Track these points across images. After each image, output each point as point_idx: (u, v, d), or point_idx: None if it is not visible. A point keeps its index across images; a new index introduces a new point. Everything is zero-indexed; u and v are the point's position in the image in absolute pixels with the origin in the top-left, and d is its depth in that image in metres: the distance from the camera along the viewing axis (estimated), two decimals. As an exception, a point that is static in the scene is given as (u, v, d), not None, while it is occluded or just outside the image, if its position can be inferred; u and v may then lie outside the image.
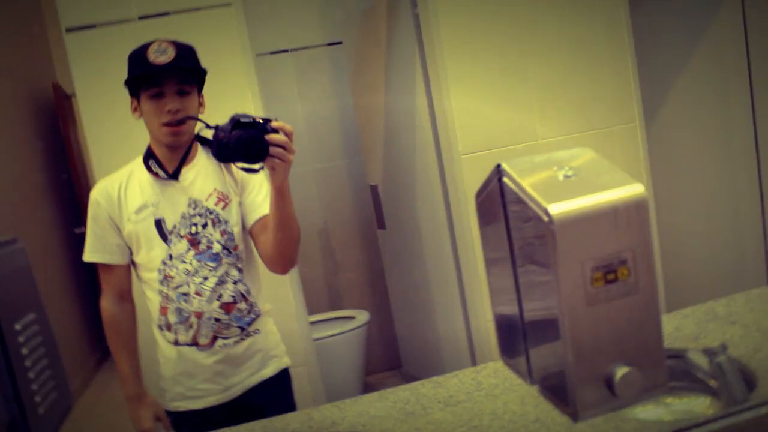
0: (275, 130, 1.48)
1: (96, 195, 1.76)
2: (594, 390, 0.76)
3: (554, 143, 2.64)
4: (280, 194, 1.57)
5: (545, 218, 0.75)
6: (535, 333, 0.84)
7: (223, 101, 2.37)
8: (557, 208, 0.75)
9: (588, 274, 0.75)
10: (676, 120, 3.21)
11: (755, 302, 1.58)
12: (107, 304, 1.78)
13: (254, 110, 2.43)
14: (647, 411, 1.32)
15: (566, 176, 0.81)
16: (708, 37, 2.99)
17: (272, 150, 1.47)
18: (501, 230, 0.87)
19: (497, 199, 0.87)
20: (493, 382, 1.39)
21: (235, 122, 1.47)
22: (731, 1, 2.83)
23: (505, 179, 0.84)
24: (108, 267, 1.77)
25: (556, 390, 0.81)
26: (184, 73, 1.65)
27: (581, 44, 2.69)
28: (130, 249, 1.76)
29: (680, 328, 1.51)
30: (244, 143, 1.46)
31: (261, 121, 1.48)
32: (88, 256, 1.77)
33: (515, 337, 0.89)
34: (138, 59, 1.63)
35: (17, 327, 0.86)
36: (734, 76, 2.90)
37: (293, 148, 1.51)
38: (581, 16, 2.68)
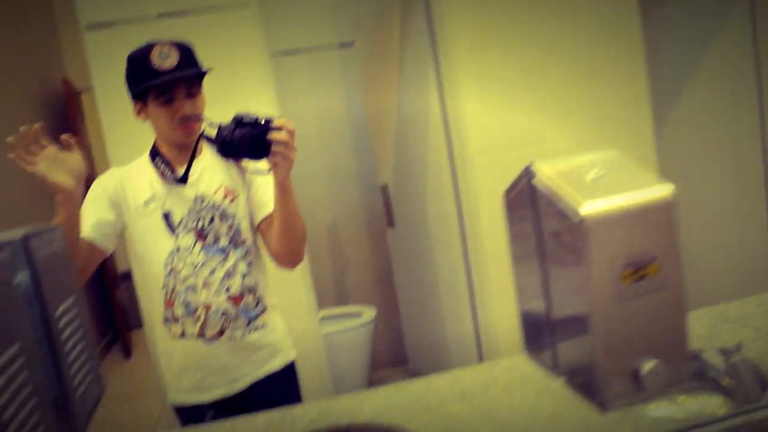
0: (277, 128, 1.52)
1: (102, 179, 1.76)
2: (621, 382, 0.79)
3: (565, 148, 2.66)
4: (283, 191, 1.61)
5: (576, 217, 0.78)
6: (563, 327, 0.87)
7: (238, 100, 2.40)
8: (588, 208, 0.78)
9: (618, 271, 0.78)
10: (686, 126, 3.24)
11: (767, 305, 1.61)
12: None
13: (271, 110, 2.46)
14: (660, 409, 1.34)
15: (596, 177, 0.84)
16: (717, 45, 3.02)
17: (274, 148, 1.51)
18: (530, 228, 0.90)
19: (527, 198, 0.90)
20: (509, 377, 1.40)
21: (238, 121, 1.51)
22: (740, 8, 2.86)
23: (536, 180, 0.87)
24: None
25: (583, 382, 0.84)
26: (193, 77, 1.68)
27: (594, 52, 2.71)
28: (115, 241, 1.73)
29: (693, 329, 1.54)
30: (246, 141, 1.50)
31: (263, 121, 1.52)
32: (87, 232, 1.67)
33: (541, 331, 0.92)
34: (141, 64, 1.63)
35: (60, 310, 0.89)
36: (743, 82, 2.93)
37: (295, 147, 1.55)
38: (594, 24, 2.70)
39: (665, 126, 3.26)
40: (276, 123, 1.52)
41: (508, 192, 0.95)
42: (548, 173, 0.86)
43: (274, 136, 1.51)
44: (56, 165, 1.49)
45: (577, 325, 0.82)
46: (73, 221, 1.53)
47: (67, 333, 0.89)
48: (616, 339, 0.79)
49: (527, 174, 0.89)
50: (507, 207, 0.97)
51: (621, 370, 0.80)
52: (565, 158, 0.89)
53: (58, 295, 0.88)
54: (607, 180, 0.84)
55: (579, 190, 0.82)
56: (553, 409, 1.25)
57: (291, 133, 1.53)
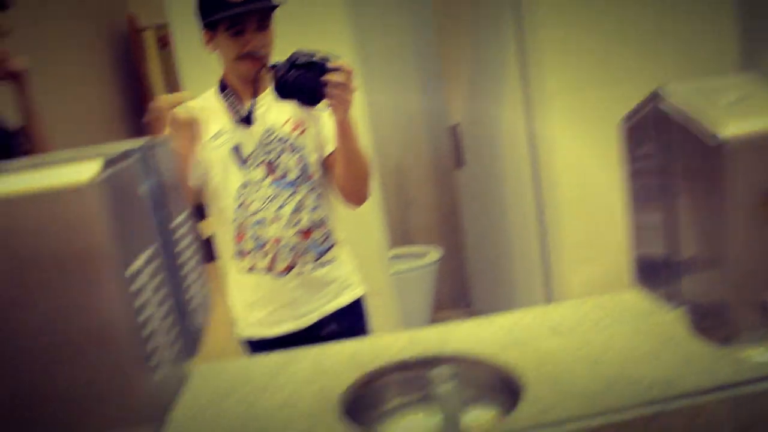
0: (334, 69, 1.49)
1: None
2: (752, 315, 0.77)
3: (647, 88, 2.57)
4: (343, 130, 1.59)
5: (714, 141, 0.75)
6: (689, 260, 0.85)
7: (311, 36, 2.36)
8: (727, 131, 0.75)
9: (757, 198, 0.74)
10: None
11: None
12: None
13: (345, 48, 2.41)
14: (758, 354, 1.31)
15: (733, 101, 0.80)
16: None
17: (330, 90, 1.49)
18: (654, 157, 0.87)
19: (652, 125, 0.87)
20: (599, 315, 1.39)
21: (293, 62, 1.48)
22: None
23: (665, 103, 0.83)
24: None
25: (707, 315, 0.82)
26: (264, 10, 1.65)
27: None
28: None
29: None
30: (300, 85, 1.48)
31: (319, 61, 1.49)
32: None
33: (658, 264, 0.89)
34: None
35: (176, 222, 0.90)
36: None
37: (352, 88, 1.52)
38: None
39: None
40: (333, 64, 1.49)
41: (628, 119, 0.92)
42: (680, 96, 0.82)
43: (330, 78, 1.48)
44: (179, 130, 1.51)
45: (707, 255, 0.79)
46: (185, 179, 1.56)
47: (183, 245, 0.90)
48: (751, 270, 0.76)
49: (654, 98, 0.85)
50: (626, 135, 0.94)
51: (752, 303, 0.77)
52: (695, 82, 0.85)
53: (174, 206, 0.89)
54: (745, 104, 0.79)
55: (716, 113, 0.78)
56: (648, 348, 1.22)
57: (348, 74, 1.50)
